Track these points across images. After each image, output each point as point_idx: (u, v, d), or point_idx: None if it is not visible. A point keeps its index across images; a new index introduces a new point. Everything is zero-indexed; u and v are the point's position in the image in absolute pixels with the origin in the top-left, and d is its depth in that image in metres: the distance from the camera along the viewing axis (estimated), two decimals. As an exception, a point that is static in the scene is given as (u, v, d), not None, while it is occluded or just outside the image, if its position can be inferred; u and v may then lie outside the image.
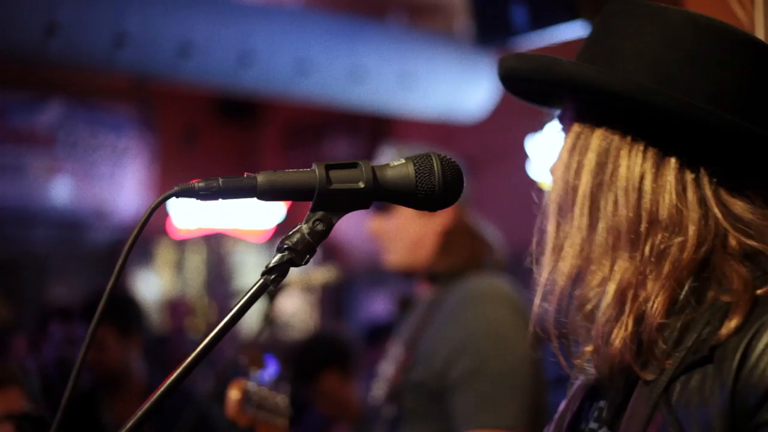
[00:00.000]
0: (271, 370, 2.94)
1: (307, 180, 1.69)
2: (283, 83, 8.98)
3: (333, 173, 1.69)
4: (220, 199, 1.69)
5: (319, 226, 1.69)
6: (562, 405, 1.98)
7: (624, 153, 1.74)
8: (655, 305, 1.67)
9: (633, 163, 1.73)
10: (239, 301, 1.65)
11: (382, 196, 1.73)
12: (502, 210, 10.61)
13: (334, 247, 13.98)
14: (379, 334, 6.34)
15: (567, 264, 1.76)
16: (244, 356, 3.11)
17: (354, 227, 13.48)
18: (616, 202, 1.72)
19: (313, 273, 4.33)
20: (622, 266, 1.70)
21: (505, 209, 10.75)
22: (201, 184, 1.67)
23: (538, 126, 8.06)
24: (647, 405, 1.64)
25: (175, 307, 11.77)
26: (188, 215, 13.81)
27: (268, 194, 1.69)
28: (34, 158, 12.61)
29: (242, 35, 8.46)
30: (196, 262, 14.23)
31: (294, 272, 4.37)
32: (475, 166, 11.12)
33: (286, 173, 1.70)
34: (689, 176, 1.72)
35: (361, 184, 1.69)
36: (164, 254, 14.11)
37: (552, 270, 1.79)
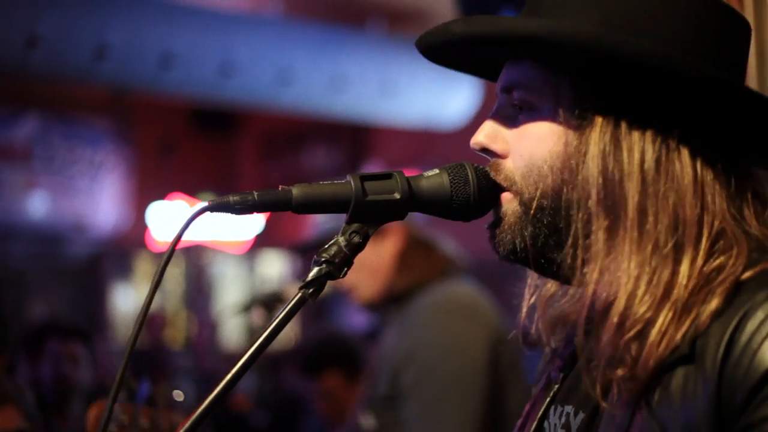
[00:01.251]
0: (143, 391, 2.88)
1: (342, 192, 1.66)
2: (265, 93, 8.96)
3: (368, 184, 1.67)
4: (255, 213, 1.66)
5: (356, 238, 1.66)
6: (525, 409, 1.88)
7: (680, 149, 1.59)
8: (705, 311, 1.52)
9: (688, 160, 1.58)
10: (278, 316, 1.62)
11: (417, 207, 1.70)
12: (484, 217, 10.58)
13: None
14: (316, 364, 6.28)
15: (609, 267, 1.60)
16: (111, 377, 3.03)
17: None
18: (673, 202, 1.57)
19: (312, 283, 4.30)
20: (671, 270, 1.55)
21: (488, 216, 10.71)
22: (236, 198, 1.64)
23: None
24: (626, 408, 1.53)
25: (152, 321, 11.70)
26: (167, 227, 13.75)
27: (304, 207, 1.66)
28: (11, 173, 12.52)
29: (223, 46, 8.44)
30: (174, 275, 14.17)
31: (291, 284, 4.36)
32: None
33: (321, 185, 1.67)
34: (733, 176, 1.61)
35: (397, 195, 1.67)
36: (142, 267, 14.04)
37: (575, 273, 1.64)
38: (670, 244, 1.56)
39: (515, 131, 1.71)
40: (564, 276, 1.67)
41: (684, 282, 1.54)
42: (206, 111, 13.88)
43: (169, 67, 8.12)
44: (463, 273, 3.87)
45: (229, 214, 1.68)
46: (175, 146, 14.23)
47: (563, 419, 1.71)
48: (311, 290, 1.65)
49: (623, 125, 1.60)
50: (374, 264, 3.83)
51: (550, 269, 1.69)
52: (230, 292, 14.32)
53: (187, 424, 1.55)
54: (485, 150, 1.74)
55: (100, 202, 13.28)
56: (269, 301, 4.36)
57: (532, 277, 1.84)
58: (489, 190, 1.71)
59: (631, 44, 1.55)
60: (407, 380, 3.58)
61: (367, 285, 3.86)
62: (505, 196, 1.71)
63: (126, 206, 13.58)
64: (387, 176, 1.69)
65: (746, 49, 1.72)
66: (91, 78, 8.26)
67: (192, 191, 13.92)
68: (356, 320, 11.98)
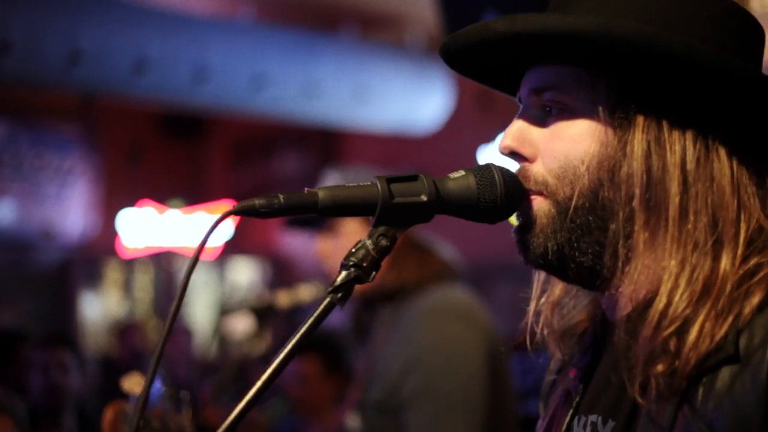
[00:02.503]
0: (156, 390, 2.86)
1: (369, 194, 1.63)
2: (239, 98, 8.94)
3: (394, 187, 1.64)
4: (280, 216, 1.63)
5: (383, 241, 1.63)
6: (542, 422, 1.87)
7: (720, 149, 1.59)
8: (747, 306, 1.53)
9: (729, 159, 1.59)
10: (307, 321, 1.59)
11: (443, 209, 1.68)
12: (456, 222, 10.60)
13: (285, 265, 13.91)
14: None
15: (652, 268, 1.60)
16: (124, 380, 3.02)
17: (303, 242, 13.44)
18: (715, 201, 1.58)
19: (302, 291, 4.28)
20: (717, 266, 1.55)
21: (460, 222, 10.72)
22: (262, 202, 1.61)
23: (488, 137, 8.05)
24: (667, 411, 1.52)
25: (126, 330, 11.61)
26: (137, 234, 13.69)
27: (330, 210, 1.63)
28: (-21, 180, 12.46)
29: (197, 51, 8.41)
30: (143, 282, 14.10)
31: (282, 292, 4.30)
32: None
33: (347, 188, 1.65)
34: (737, 165, 1.61)
35: (424, 198, 1.65)
36: (112, 274, 13.96)
37: (614, 278, 1.63)
38: (709, 243, 1.57)
39: (545, 132, 1.69)
40: (591, 281, 1.67)
41: (723, 279, 1.55)
42: (175, 117, 13.83)
43: (143, 73, 8.08)
44: (459, 278, 3.84)
45: (255, 217, 1.64)
46: (143, 153, 14.17)
47: (588, 429, 1.70)
48: (340, 295, 1.61)
49: (665, 125, 1.60)
50: None
51: (578, 274, 1.68)
52: (200, 298, 14.26)
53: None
54: (512, 154, 1.72)
55: (69, 208, 13.19)
56: (261, 311, 4.31)
57: (538, 282, 1.84)
58: (515, 192, 1.69)
59: (690, 45, 1.56)
60: (410, 388, 3.53)
61: None
62: (536, 199, 1.69)
63: (95, 213, 13.50)
64: (413, 178, 1.66)
65: (763, 49, 1.73)
66: (64, 84, 8.21)
67: (161, 198, 13.86)
68: (328, 325, 11.95)
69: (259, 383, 1.56)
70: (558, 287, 1.82)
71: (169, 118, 14.02)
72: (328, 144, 12.97)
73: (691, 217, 1.57)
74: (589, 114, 1.64)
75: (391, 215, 1.64)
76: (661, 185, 1.58)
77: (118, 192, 13.71)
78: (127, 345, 11.29)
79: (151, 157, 14.31)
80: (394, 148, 11.80)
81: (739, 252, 1.56)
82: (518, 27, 1.63)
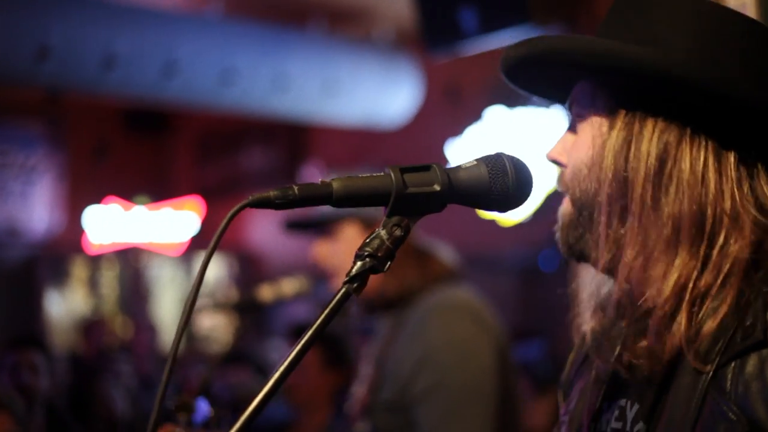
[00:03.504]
0: (202, 413, 2.87)
1: (382, 184, 1.64)
2: (208, 93, 8.92)
3: (408, 176, 1.65)
4: (295, 207, 1.64)
5: (398, 231, 1.64)
6: (566, 408, 1.96)
7: (686, 146, 1.69)
8: (722, 305, 1.63)
9: (695, 156, 1.68)
10: (323, 313, 1.60)
11: (456, 198, 1.70)
12: (430, 217, 10.60)
13: (252, 259, 13.89)
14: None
15: (627, 258, 1.71)
16: (173, 401, 3.02)
17: (271, 239, 13.43)
18: (678, 196, 1.68)
19: (285, 285, 4.26)
20: (683, 261, 1.66)
21: (434, 216, 10.73)
22: (276, 193, 1.60)
23: (457, 131, 8.11)
24: (694, 395, 1.59)
25: (92, 327, 11.55)
26: (102, 230, 13.63)
27: (344, 200, 1.64)
28: (-57, 178, 12.37)
29: (166, 46, 8.37)
30: (110, 279, 14.03)
31: (264, 286, 4.28)
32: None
33: (361, 178, 1.66)
34: (744, 170, 1.70)
35: (437, 187, 1.66)
36: (78, 271, 13.88)
37: (607, 264, 1.75)
38: (693, 235, 1.68)
39: (572, 142, 1.86)
40: (607, 270, 1.79)
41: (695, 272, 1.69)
42: (140, 113, 13.77)
43: (111, 68, 8.04)
44: (460, 279, 3.86)
45: (270, 209, 1.64)
46: (108, 149, 14.10)
47: (617, 412, 1.77)
48: (355, 285, 1.62)
49: (637, 123, 1.74)
50: None
51: (595, 264, 1.81)
52: (167, 295, 14.22)
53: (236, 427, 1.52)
54: (554, 161, 1.90)
55: (34, 206, 13.12)
56: (245, 306, 4.29)
57: (584, 276, 1.93)
58: (526, 181, 1.72)
59: (672, 64, 1.69)
60: (422, 385, 3.55)
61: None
62: (564, 201, 1.86)
63: (60, 210, 13.43)
64: (426, 168, 1.68)
65: None
66: (32, 80, 8.15)
67: (127, 194, 13.80)
68: (297, 318, 11.96)
69: (276, 374, 1.56)
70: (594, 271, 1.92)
71: (134, 114, 13.96)
72: (295, 138, 12.94)
73: (665, 212, 1.69)
74: (591, 123, 1.80)
75: (404, 205, 1.65)
76: (628, 181, 1.71)
77: (84, 189, 13.64)
78: (94, 342, 11.24)
79: (117, 153, 14.24)
80: (361, 142, 11.80)
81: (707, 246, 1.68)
82: (522, 52, 1.81)
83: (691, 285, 1.65)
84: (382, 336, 3.85)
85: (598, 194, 1.75)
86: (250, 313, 4.23)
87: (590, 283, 1.90)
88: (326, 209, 3.80)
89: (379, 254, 1.63)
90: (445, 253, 3.89)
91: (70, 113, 13.29)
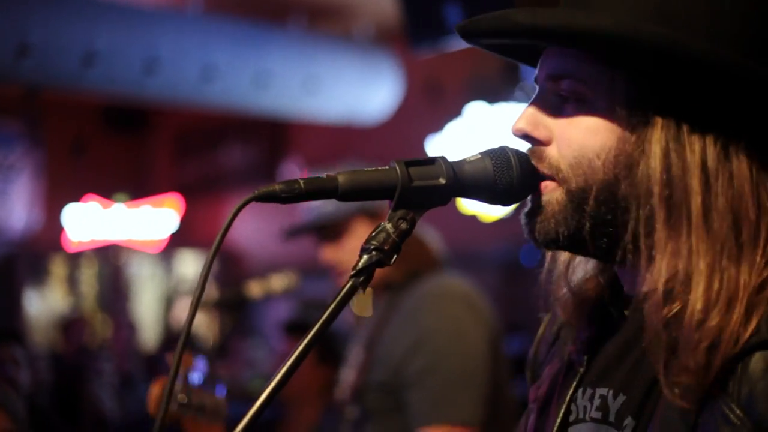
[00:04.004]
0: (200, 370, 2.89)
1: (388, 178, 1.63)
2: (189, 90, 8.91)
3: (413, 170, 1.64)
4: (301, 201, 1.63)
5: (403, 225, 1.63)
6: (535, 392, 1.86)
7: (737, 146, 1.59)
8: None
9: (744, 157, 1.59)
10: (330, 306, 1.60)
11: (461, 191, 1.68)
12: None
13: (233, 257, 13.86)
14: (299, 328, 6.17)
15: (688, 264, 1.58)
16: (171, 356, 3.04)
17: (252, 236, 13.41)
18: (735, 200, 1.57)
19: (273, 280, 4.27)
20: (746, 266, 1.55)
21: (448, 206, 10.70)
22: (282, 187, 1.59)
23: (437, 127, 8.07)
24: (692, 395, 1.50)
25: (72, 325, 11.52)
26: (82, 228, 13.58)
27: (349, 194, 1.63)
28: None
29: (147, 43, 8.35)
30: (89, 276, 14.00)
31: (253, 282, 4.28)
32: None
33: (366, 172, 1.65)
34: (756, 165, 1.60)
35: (443, 180, 1.65)
36: (57, 269, 13.85)
37: (666, 273, 1.60)
38: (734, 245, 1.56)
39: (561, 120, 1.69)
40: (609, 257, 1.68)
41: (750, 282, 1.55)
42: (119, 110, 13.74)
43: (92, 65, 8.02)
44: (448, 266, 3.89)
45: (276, 203, 1.63)
46: (87, 147, 14.05)
47: (597, 401, 1.69)
48: (362, 278, 1.62)
49: (684, 124, 1.59)
50: None
51: (594, 253, 1.69)
52: (147, 292, 14.18)
53: (244, 422, 1.52)
54: (526, 136, 1.72)
55: (13, 204, 13.05)
56: (234, 302, 4.29)
57: (548, 254, 1.83)
58: (530, 174, 1.70)
59: (712, 50, 1.56)
60: (414, 368, 3.60)
61: None
62: (547, 185, 1.69)
63: (38, 208, 13.37)
64: (431, 161, 1.67)
65: None
66: (12, 77, 8.14)
67: (106, 192, 13.76)
68: (277, 315, 11.96)
69: (283, 369, 1.56)
70: (567, 255, 1.81)
71: (113, 112, 13.93)
72: (275, 135, 12.93)
73: (715, 218, 1.57)
74: (606, 108, 1.64)
75: (410, 198, 1.64)
76: (681, 183, 1.58)
77: (62, 186, 13.59)
78: (74, 340, 11.21)
79: (95, 151, 14.20)
80: (341, 139, 11.80)
81: (760, 254, 1.57)
82: (540, 22, 1.62)
83: (742, 296, 1.54)
84: (374, 319, 3.87)
85: (631, 194, 1.61)
86: (238, 309, 4.23)
87: (559, 265, 1.82)
88: (327, 211, 3.80)
89: (386, 247, 1.62)
90: (435, 241, 3.92)
91: (49, 111, 13.23)
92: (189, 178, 14.32)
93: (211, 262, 1.63)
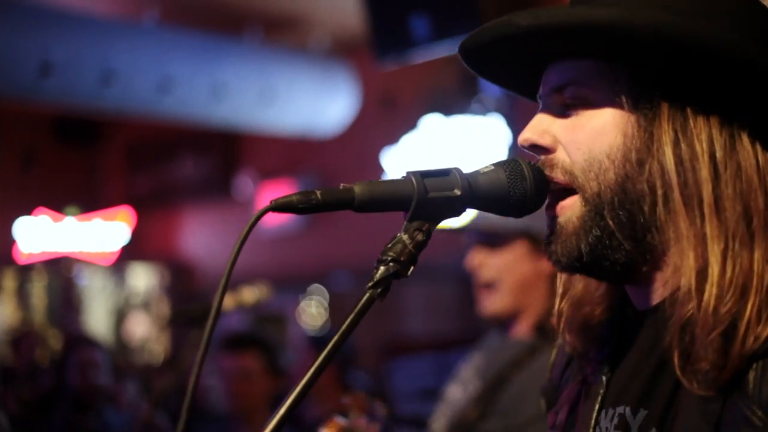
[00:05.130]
0: (375, 417, 2.88)
1: (404, 189, 1.63)
2: (145, 102, 8.87)
3: (428, 181, 1.63)
4: (318, 212, 1.63)
5: (419, 236, 1.63)
6: (554, 418, 1.85)
7: (743, 134, 1.60)
8: None
9: (750, 144, 1.60)
10: (348, 319, 1.59)
11: (475, 203, 1.68)
12: (358, 227, 10.60)
13: (185, 270, 13.78)
14: (242, 341, 6.18)
15: (704, 258, 1.57)
16: (348, 398, 3.01)
17: (204, 249, 13.35)
18: (744, 188, 1.58)
19: (245, 292, 4.24)
20: (759, 256, 1.56)
21: (362, 226, 10.74)
22: (299, 198, 1.59)
23: (392, 139, 8.10)
24: (716, 397, 1.50)
25: (23, 339, 11.39)
26: (32, 240, 13.46)
27: (366, 205, 1.62)
28: None
29: (103, 54, 8.31)
30: (39, 290, 13.87)
31: (228, 298, 4.23)
32: (330, 181, 11.14)
33: (382, 183, 1.64)
34: (761, 152, 1.62)
35: (458, 192, 1.64)
36: (6, 283, 13.71)
37: (665, 268, 1.63)
38: (746, 232, 1.57)
39: (567, 123, 1.69)
40: (623, 275, 1.68)
41: (760, 270, 1.55)
42: (70, 122, 13.63)
43: (48, 76, 7.96)
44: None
45: (293, 213, 1.62)
46: (38, 159, 13.93)
47: (616, 420, 1.68)
48: (379, 290, 1.61)
49: (690, 116, 1.60)
50: (527, 275, 3.63)
51: (611, 271, 1.67)
52: (98, 305, 14.07)
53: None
54: (534, 146, 1.71)
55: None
56: (199, 315, 4.26)
57: (560, 281, 1.83)
58: (543, 185, 1.70)
59: (718, 35, 1.57)
60: (524, 417, 3.45)
61: (511, 298, 3.64)
62: (565, 204, 1.69)
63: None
64: (445, 173, 1.67)
65: None
66: (-36, 88, 8.04)
67: (57, 205, 13.64)
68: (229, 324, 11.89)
69: (303, 380, 1.55)
70: (579, 284, 1.81)
71: (64, 124, 13.81)
72: (228, 148, 12.88)
73: (727, 206, 1.57)
74: (611, 106, 1.64)
75: (425, 210, 1.64)
76: (692, 174, 1.58)
77: (12, 199, 13.47)
78: (24, 354, 11.08)
79: (46, 163, 14.08)
80: (295, 151, 11.77)
81: None
82: (543, 20, 1.62)
83: (755, 284, 1.54)
84: (508, 355, 3.69)
85: (643, 189, 1.61)
86: (205, 322, 4.20)
87: (562, 280, 1.82)
88: (496, 223, 3.65)
89: (402, 259, 1.61)
90: None
91: (-2, 124, 13.14)
92: (141, 190, 14.23)
93: (230, 273, 1.61)
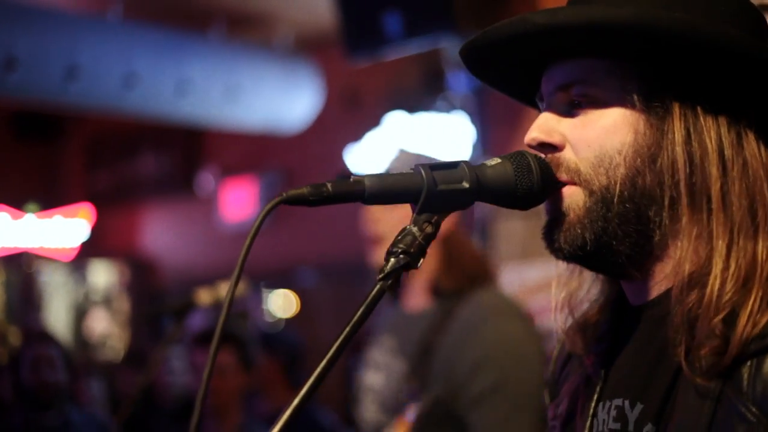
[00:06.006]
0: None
1: (413, 182, 1.65)
2: (109, 97, 8.83)
3: (437, 174, 1.66)
4: (329, 204, 1.63)
5: (429, 228, 1.65)
6: (554, 410, 1.90)
7: (749, 130, 1.65)
8: None
9: (756, 140, 1.65)
10: (359, 310, 1.59)
11: (483, 195, 1.70)
12: (323, 223, 10.62)
13: (145, 266, 13.72)
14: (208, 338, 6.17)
15: (709, 251, 1.62)
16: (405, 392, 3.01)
17: (164, 246, 13.29)
18: (749, 183, 1.63)
19: (223, 288, 4.24)
20: (762, 247, 1.61)
21: (326, 222, 10.75)
22: (310, 190, 1.59)
23: (356, 136, 8.12)
24: (710, 392, 1.54)
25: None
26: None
27: (376, 198, 1.64)
28: None
29: (67, 49, 8.26)
30: (-4, 286, 13.79)
31: (202, 290, 4.24)
32: (293, 178, 11.13)
33: (392, 176, 1.66)
34: (765, 149, 1.67)
35: (466, 184, 1.67)
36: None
37: (692, 264, 1.65)
38: (751, 227, 1.62)
39: (575, 122, 1.72)
40: (624, 269, 1.71)
41: (763, 264, 1.60)
42: (30, 118, 13.53)
43: (12, 71, 7.90)
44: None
45: (304, 206, 1.63)
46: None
47: (614, 412, 1.72)
48: (390, 282, 1.62)
49: (700, 112, 1.64)
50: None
51: (613, 263, 1.71)
52: (58, 301, 13.97)
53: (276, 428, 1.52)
54: (541, 145, 1.74)
55: None
56: (181, 309, 4.25)
57: (559, 279, 1.87)
58: (550, 178, 1.72)
59: (730, 33, 1.61)
60: (480, 386, 3.49)
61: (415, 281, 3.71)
62: (567, 191, 1.72)
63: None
64: (454, 165, 1.69)
65: None
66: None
67: (16, 202, 13.53)
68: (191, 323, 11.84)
69: (316, 372, 1.56)
70: (575, 282, 1.85)
71: (23, 119, 13.70)
72: (190, 144, 12.83)
73: (734, 202, 1.62)
74: (622, 104, 1.68)
75: (434, 202, 1.66)
76: (702, 170, 1.63)
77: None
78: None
79: (4, 159, 13.96)
80: (258, 148, 11.75)
81: None
82: (560, 19, 1.65)
83: (758, 276, 1.59)
84: (420, 330, 3.71)
85: (653, 185, 1.66)
86: (186, 317, 4.19)
87: (559, 280, 1.86)
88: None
89: (412, 250, 1.63)
90: (482, 251, 3.82)
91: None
92: (102, 186, 14.14)
93: (241, 268, 1.62)
